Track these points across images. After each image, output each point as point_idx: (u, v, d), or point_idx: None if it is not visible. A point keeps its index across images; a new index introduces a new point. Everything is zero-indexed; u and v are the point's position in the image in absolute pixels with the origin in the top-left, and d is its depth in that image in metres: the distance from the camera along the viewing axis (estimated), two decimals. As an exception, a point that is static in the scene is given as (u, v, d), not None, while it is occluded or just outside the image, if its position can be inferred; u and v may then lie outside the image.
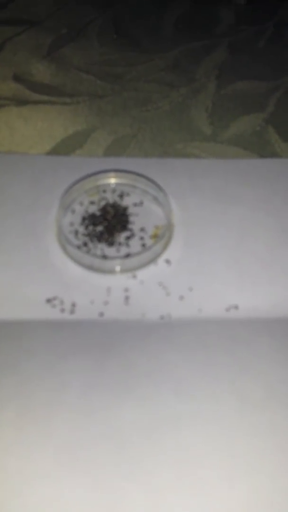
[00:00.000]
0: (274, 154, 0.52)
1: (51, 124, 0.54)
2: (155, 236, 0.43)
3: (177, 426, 0.33)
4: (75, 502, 0.30)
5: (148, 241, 0.43)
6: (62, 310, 0.39)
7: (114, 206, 0.45)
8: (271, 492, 0.31)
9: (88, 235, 0.43)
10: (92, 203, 0.46)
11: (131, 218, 0.44)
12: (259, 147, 0.52)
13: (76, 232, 0.43)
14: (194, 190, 0.48)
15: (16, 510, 0.30)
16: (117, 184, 0.47)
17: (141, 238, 0.43)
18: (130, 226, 0.44)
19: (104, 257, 0.42)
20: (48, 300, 0.39)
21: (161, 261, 0.42)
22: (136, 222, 0.44)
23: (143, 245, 0.43)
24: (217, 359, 0.37)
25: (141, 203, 0.46)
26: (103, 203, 0.45)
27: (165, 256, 0.42)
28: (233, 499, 0.31)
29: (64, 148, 0.51)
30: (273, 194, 0.48)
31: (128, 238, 0.43)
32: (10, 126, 0.53)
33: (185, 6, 0.73)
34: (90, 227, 0.43)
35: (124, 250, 0.42)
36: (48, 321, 0.38)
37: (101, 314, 0.39)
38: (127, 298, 0.40)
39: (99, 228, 0.43)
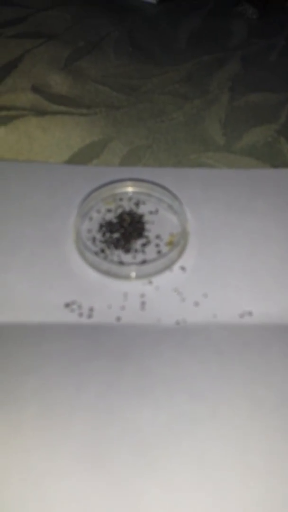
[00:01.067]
0: (286, 165, 0.53)
1: (68, 134, 0.55)
2: (170, 243, 0.44)
3: (193, 428, 0.34)
4: (94, 500, 0.31)
5: (164, 248, 0.44)
6: (80, 315, 0.40)
7: (131, 214, 0.46)
8: (285, 495, 0.32)
9: (105, 241, 0.44)
10: (109, 210, 0.47)
11: (147, 226, 0.46)
12: (271, 158, 0.54)
13: (94, 239, 0.44)
14: (207, 199, 0.49)
15: (37, 507, 0.31)
16: (133, 192, 0.48)
17: (157, 245, 0.44)
18: (146, 233, 0.45)
19: (121, 263, 0.43)
20: (67, 305, 0.40)
21: (176, 267, 0.43)
22: (151, 229, 0.46)
23: (159, 252, 0.44)
24: (231, 364, 0.37)
25: (156, 211, 0.47)
26: (119, 211, 0.47)
27: (180, 263, 0.43)
28: (248, 500, 0.31)
29: (82, 157, 0.53)
30: (284, 203, 0.49)
31: (144, 245, 0.44)
32: (29, 135, 0.55)
33: (199, 20, 0.75)
34: (107, 234, 0.45)
35: (140, 256, 0.44)
36: (66, 325, 0.39)
37: (118, 319, 0.40)
38: (143, 304, 0.41)
39: (116, 235, 0.45)
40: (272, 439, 0.34)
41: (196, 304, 0.41)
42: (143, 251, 0.44)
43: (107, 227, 0.45)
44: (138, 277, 0.42)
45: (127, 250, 0.44)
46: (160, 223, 0.46)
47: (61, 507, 0.31)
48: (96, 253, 0.43)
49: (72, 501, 0.31)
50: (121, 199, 0.48)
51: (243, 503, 0.31)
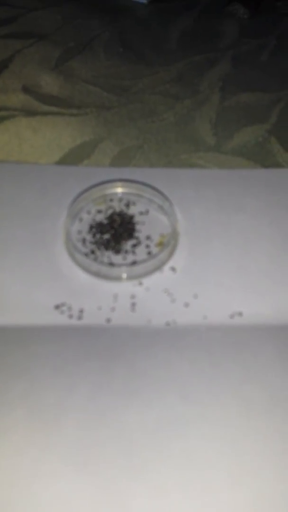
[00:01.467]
0: (276, 165, 0.53)
1: (59, 134, 0.55)
2: (161, 244, 0.44)
3: (182, 429, 0.34)
4: (82, 502, 0.31)
5: (154, 249, 0.44)
6: (70, 316, 0.40)
7: (121, 214, 0.46)
8: (275, 496, 0.32)
9: (96, 243, 0.44)
10: (99, 211, 0.47)
11: (137, 227, 0.46)
12: (262, 158, 0.54)
13: (84, 240, 0.44)
14: (198, 199, 0.49)
15: (25, 510, 0.31)
16: (123, 193, 0.48)
17: (147, 246, 0.44)
18: (136, 234, 0.45)
19: (111, 264, 0.43)
20: (57, 307, 0.40)
21: (166, 268, 0.43)
22: (142, 230, 0.45)
23: (149, 253, 0.44)
24: (221, 365, 0.37)
25: (147, 212, 0.47)
26: (110, 211, 0.46)
27: (170, 263, 0.43)
28: (238, 502, 0.31)
29: (72, 158, 0.53)
30: (275, 203, 0.49)
31: (134, 246, 0.44)
32: (19, 136, 0.54)
33: (190, 20, 0.75)
34: (98, 235, 0.44)
35: (130, 257, 0.43)
36: (56, 326, 0.39)
37: (108, 320, 0.40)
38: (133, 305, 0.41)
39: (106, 236, 0.44)
40: (263, 439, 0.34)
41: (186, 305, 0.41)
42: (133, 252, 0.44)
43: (97, 228, 0.45)
44: (128, 278, 0.42)
45: (117, 251, 0.44)
46: (150, 224, 0.46)
47: (51, 509, 0.31)
48: (86, 255, 0.43)
49: (61, 503, 0.31)
50: (111, 200, 0.48)
51: (234, 505, 0.31)
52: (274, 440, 0.34)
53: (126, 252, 0.44)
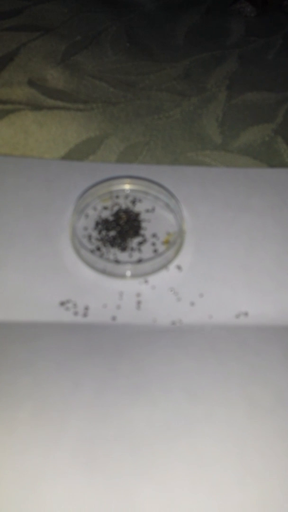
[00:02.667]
0: (283, 164, 0.53)
1: (65, 129, 0.55)
2: (167, 242, 0.44)
3: (188, 428, 0.34)
4: (88, 499, 0.31)
5: (160, 247, 0.44)
6: (75, 313, 0.39)
7: (127, 211, 0.46)
8: (281, 494, 0.32)
9: (101, 239, 0.44)
10: (105, 208, 0.46)
11: (143, 224, 0.45)
12: (268, 157, 0.53)
13: (90, 237, 0.44)
14: (204, 198, 0.48)
15: (31, 508, 0.31)
16: (130, 190, 0.48)
17: (153, 244, 0.44)
18: (142, 231, 0.45)
19: (117, 261, 0.42)
20: (62, 303, 0.40)
21: (172, 267, 0.43)
22: (148, 228, 0.45)
23: (155, 250, 0.44)
24: (227, 364, 0.37)
25: (153, 209, 0.47)
26: (116, 208, 0.46)
27: (176, 262, 0.43)
28: (244, 499, 0.31)
29: (78, 153, 0.52)
30: (281, 203, 0.49)
31: (140, 243, 0.44)
32: (25, 130, 0.54)
33: (197, 17, 0.75)
34: (103, 232, 0.44)
35: (136, 255, 0.43)
36: (61, 323, 0.39)
37: (114, 318, 0.39)
38: (139, 303, 0.40)
39: (112, 233, 0.44)
40: (268, 439, 0.34)
41: (192, 304, 0.40)
42: (139, 250, 0.44)
43: (103, 225, 0.45)
44: (134, 276, 0.42)
45: (123, 249, 0.43)
46: (156, 221, 0.46)
47: (57, 506, 0.31)
48: (92, 251, 0.42)
49: (68, 500, 0.31)
50: (117, 197, 0.47)
51: (240, 503, 0.31)
52: (279, 439, 0.34)
53: (132, 249, 0.43)
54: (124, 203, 0.47)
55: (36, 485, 0.31)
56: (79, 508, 0.31)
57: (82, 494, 0.31)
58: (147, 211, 0.47)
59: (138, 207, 0.47)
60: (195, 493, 0.32)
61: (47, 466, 0.32)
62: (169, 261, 0.43)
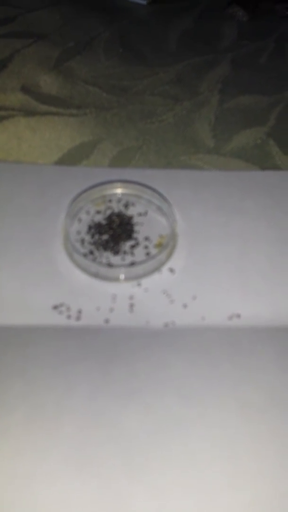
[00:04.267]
0: (275, 167, 0.53)
1: (58, 135, 0.55)
2: (159, 245, 0.44)
3: (180, 431, 0.34)
4: (81, 503, 0.31)
5: (153, 250, 0.44)
6: (69, 317, 0.40)
7: (120, 215, 0.46)
8: (273, 497, 0.32)
9: (94, 243, 0.44)
10: (98, 212, 0.47)
11: (136, 228, 0.46)
12: (260, 160, 0.54)
13: (83, 241, 0.44)
14: (197, 201, 0.49)
15: (24, 511, 0.31)
16: (122, 194, 0.48)
17: (146, 247, 0.44)
18: (135, 235, 0.45)
19: (110, 265, 0.43)
20: (55, 307, 0.40)
21: (165, 269, 0.43)
22: (140, 231, 0.45)
23: (148, 253, 0.44)
24: (219, 366, 0.37)
25: (145, 213, 0.47)
26: (108, 212, 0.46)
27: (169, 264, 0.43)
28: (236, 503, 0.32)
29: (71, 158, 0.53)
30: (273, 205, 0.49)
31: (133, 246, 0.44)
32: (18, 136, 0.54)
33: (189, 22, 0.75)
34: (96, 236, 0.44)
35: (129, 258, 0.43)
36: (54, 327, 0.39)
37: (107, 321, 0.40)
38: (131, 306, 0.41)
39: (105, 236, 0.44)
40: (262, 440, 0.34)
41: (185, 306, 0.41)
42: (132, 253, 0.44)
43: (96, 228, 0.45)
44: (127, 279, 0.42)
45: (116, 252, 0.44)
46: (149, 224, 0.46)
47: (50, 510, 0.31)
48: (84, 255, 0.43)
49: (60, 505, 0.31)
50: (110, 201, 0.48)
51: (232, 505, 0.31)
52: (272, 441, 0.34)
53: (125, 253, 0.44)
54: (117, 207, 0.47)
55: (29, 489, 0.31)
56: (70, 510, 0.31)
57: (75, 498, 0.31)
58: (140, 214, 0.47)
59: (131, 211, 0.47)
60: (188, 496, 0.32)
61: (40, 470, 0.32)
62: (162, 264, 0.43)
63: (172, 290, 0.42)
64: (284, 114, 0.59)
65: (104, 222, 0.45)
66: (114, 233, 0.44)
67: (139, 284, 0.42)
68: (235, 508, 0.31)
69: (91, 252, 0.43)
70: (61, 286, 0.41)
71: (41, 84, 0.61)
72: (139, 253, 0.44)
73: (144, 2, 0.78)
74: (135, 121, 0.57)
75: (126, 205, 0.47)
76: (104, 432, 0.34)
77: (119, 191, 0.48)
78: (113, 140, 0.55)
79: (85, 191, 0.47)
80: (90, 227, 0.45)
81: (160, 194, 0.47)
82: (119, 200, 0.48)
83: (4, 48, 0.66)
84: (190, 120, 0.58)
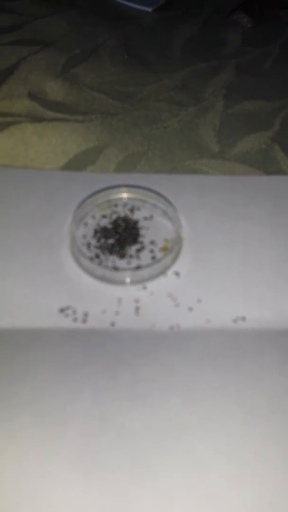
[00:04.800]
0: (279, 171, 0.53)
1: (64, 140, 0.56)
2: (165, 249, 0.45)
3: (186, 433, 0.34)
4: (87, 507, 0.31)
5: (158, 254, 0.44)
6: (75, 320, 0.40)
7: (125, 219, 0.46)
8: (277, 502, 0.32)
9: (100, 247, 0.44)
10: (104, 216, 0.47)
11: (142, 232, 0.46)
12: (265, 165, 0.54)
13: (89, 245, 0.45)
14: (202, 205, 0.49)
15: (31, 512, 0.31)
16: (128, 198, 0.49)
17: (151, 251, 0.45)
18: (140, 239, 0.45)
19: (116, 268, 0.43)
20: (61, 310, 0.40)
21: (170, 273, 0.43)
22: (146, 235, 0.46)
23: (153, 257, 0.44)
24: (224, 369, 0.38)
25: (151, 217, 0.47)
26: (114, 216, 0.47)
27: (174, 268, 0.44)
28: (240, 506, 0.32)
29: (77, 164, 0.53)
30: (278, 210, 0.49)
31: (138, 250, 0.45)
32: (25, 142, 0.55)
33: (194, 28, 0.76)
34: (102, 240, 0.45)
35: (134, 262, 0.44)
36: (61, 330, 0.39)
37: (113, 324, 0.40)
38: (137, 309, 0.41)
39: (111, 240, 0.45)
40: (266, 444, 0.34)
41: (190, 309, 0.41)
42: (137, 257, 0.44)
43: (102, 232, 0.45)
44: (133, 282, 0.42)
45: (122, 256, 0.44)
46: (154, 229, 0.47)
47: (55, 513, 0.31)
48: (91, 259, 0.43)
49: (66, 507, 0.31)
50: (116, 205, 0.48)
51: (237, 509, 0.32)
52: (276, 445, 0.34)
53: (131, 256, 0.44)
54: (122, 211, 0.48)
55: (34, 493, 0.32)
56: (78, 512, 0.31)
57: (80, 501, 0.31)
58: (145, 219, 0.47)
59: (137, 215, 0.47)
60: (193, 499, 0.32)
61: (46, 474, 0.32)
62: (167, 268, 0.43)
63: (177, 293, 0.42)
64: (289, 119, 0.60)
65: (110, 226, 0.46)
66: (120, 237, 0.45)
67: (144, 288, 0.42)
68: (239, 511, 0.31)
69: (97, 256, 0.44)
70: (68, 289, 0.42)
71: (47, 90, 0.62)
72: (145, 257, 0.44)
73: (149, 9, 0.79)
74: (140, 127, 0.58)
75: (132, 210, 0.48)
76: (109, 436, 0.34)
77: (124, 195, 0.49)
78: (119, 146, 0.55)
79: (91, 196, 0.48)
80: (96, 231, 0.46)
81: (165, 199, 0.47)
82: (124, 205, 0.48)
83: (11, 55, 0.67)
84: (195, 126, 0.59)
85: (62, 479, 0.32)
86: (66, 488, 0.32)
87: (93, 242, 0.45)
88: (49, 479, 0.32)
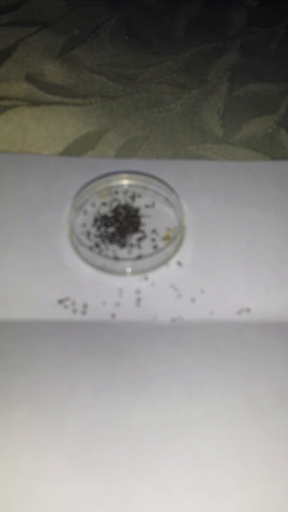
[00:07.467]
0: (285, 156, 0.52)
1: (63, 125, 0.54)
2: (167, 238, 0.43)
3: (188, 427, 0.33)
4: (86, 501, 0.30)
5: (160, 243, 0.43)
6: (74, 311, 0.39)
7: (126, 207, 0.45)
8: (283, 498, 0.31)
9: (100, 236, 0.43)
10: (104, 204, 0.46)
11: (143, 220, 0.45)
12: (270, 149, 0.52)
13: (88, 233, 0.43)
14: (205, 192, 0.48)
15: (28, 510, 0.30)
16: (129, 185, 0.47)
17: (153, 240, 0.43)
18: (141, 227, 0.44)
19: (116, 258, 0.42)
20: (60, 301, 0.39)
21: (172, 263, 0.42)
22: (147, 223, 0.44)
23: (155, 246, 0.43)
24: (228, 362, 0.37)
25: (152, 205, 0.46)
26: (115, 204, 0.45)
27: (176, 258, 0.42)
28: (244, 502, 0.31)
29: (76, 149, 0.51)
30: (284, 196, 0.47)
31: (139, 239, 0.43)
32: (22, 126, 0.53)
33: (197, 8, 0.73)
34: (102, 228, 0.43)
35: (135, 251, 0.42)
36: (60, 321, 0.38)
37: (113, 316, 0.39)
38: (138, 300, 0.40)
39: (111, 229, 0.43)
40: (270, 437, 0.33)
41: (193, 300, 0.40)
42: (138, 246, 0.43)
43: (102, 221, 0.44)
44: (134, 272, 0.41)
45: (123, 245, 0.43)
46: (156, 217, 0.45)
47: (54, 509, 0.30)
48: (90, 248, 0.42)
49: (65, 502, 0.30)
50: (116, 192, 0.47)
51: (240, 505, 0.31)
52: (280, 438, 0.33)
53: (132, 246, 0.43)
54: (123, 199, 0.46)
55: (33, 487, 0.31)
56: (77, 511, 0.30)
57: (80, 496, 0.31)
58: (147, 206, 0.46)
59: (138, 203, 0.46)
60: (195, 495, 0.31)
61: (45, 467, 0.32)
62: (169, 257, 0.42)
63: (180, 284, 0.41)
64: (295, 102, 0.58)
65: (110, 214, 0.44)
66: (120, 225, 0.43)
67: (146, 278, 0.41)
68: (243, 507, 0.31)
69: (97, 245, 0.42)
70: (67, 280, 0.41)
71: (45, 73, 0.60)
72: (146, 246, 0.43)
73: (151, -12, 0.76)
74: (141, 110, 0.56)
75: (133, 197, 0.46)
76: (109, 430, 0.33)
77: (125, 182, 0.47)
78: (119, 130, 0.54)
79: (90, 182, 0.46)
80: (96, 220, 0.44)
81: (167, 185, 0.46)
82: (125, 192, 0.47)
83: (8, 36, 0.65)
84: (198, 109, 0.57)
85: (61, 473, 0.31)
86: (65, 483, 0.31)
87: (93, 230, 0.44)
88: (47, 473, 0.31)
